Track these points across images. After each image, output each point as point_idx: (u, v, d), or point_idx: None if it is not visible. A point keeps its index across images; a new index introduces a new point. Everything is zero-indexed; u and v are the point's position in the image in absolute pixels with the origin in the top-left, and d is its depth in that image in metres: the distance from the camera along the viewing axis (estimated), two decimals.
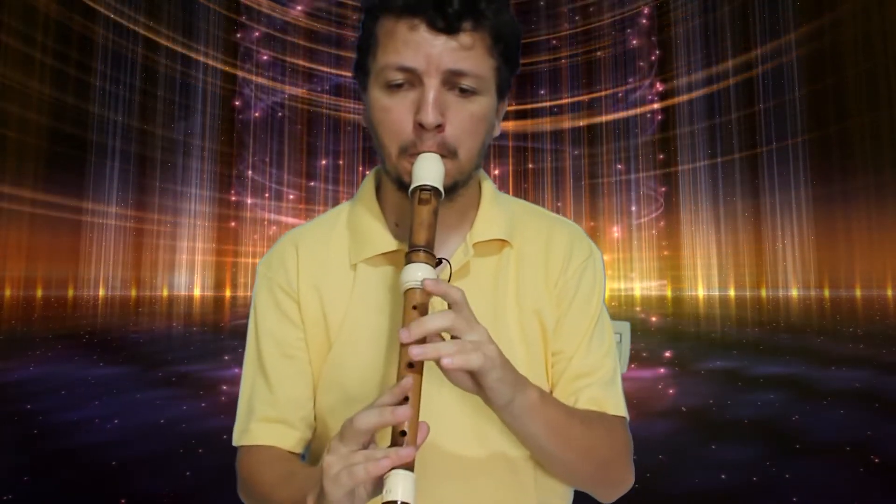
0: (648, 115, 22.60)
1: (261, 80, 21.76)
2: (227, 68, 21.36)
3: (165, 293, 21.59)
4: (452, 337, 0.73)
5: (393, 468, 0.67)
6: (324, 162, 23.10)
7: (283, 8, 21.29)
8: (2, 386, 6.21)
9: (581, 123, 23.14)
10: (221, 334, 11.81)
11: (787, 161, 20.71)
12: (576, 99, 22.91)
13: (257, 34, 21.44)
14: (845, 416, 5.12)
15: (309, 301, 0.93)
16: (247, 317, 0.99)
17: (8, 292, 17.88)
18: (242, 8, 21.06)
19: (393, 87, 0.83)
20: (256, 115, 22.14)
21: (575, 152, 23.28)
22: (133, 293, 21.08)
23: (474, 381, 0.75)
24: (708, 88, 21.53)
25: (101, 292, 20.54)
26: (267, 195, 22.84)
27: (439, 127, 0.81)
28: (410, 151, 0.82)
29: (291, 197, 23.06)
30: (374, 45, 0.85)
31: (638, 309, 17.99)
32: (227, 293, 22.46)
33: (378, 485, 0.68)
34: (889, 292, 20.04)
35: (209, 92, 21.28)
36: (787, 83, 20.20)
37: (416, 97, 0.82)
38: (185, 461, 3.90)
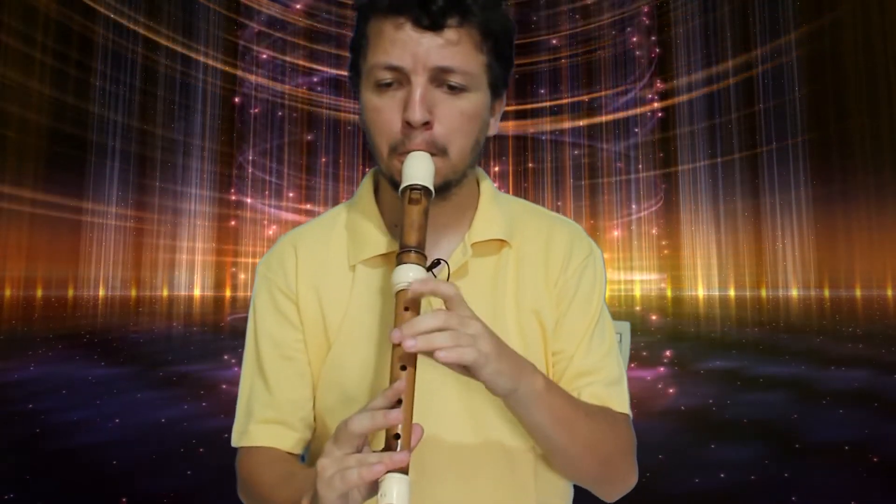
0: (648, 115, 22.61)
1: (261, 79, 21.77)
2: (227, 68, 21.36)
3: (165, 293, 21.59)
4: None
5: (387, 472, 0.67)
6: (324, 161, 23.11)
7: (283, 7, 21.29)
8: (2, 386, 6.21)
9: (581, 123, 23.15)
10: (221, 334, 11.81)
11: (787, 161, 20.71)
12: (576, 99, 22.92)
13: (257, 34, 21.44)
14: (845, 415, 5.12)
15: (308, 302, 0.93)
16: (246, 316, 0.99)
17: (8, 292, 17.88)
18: (242, 8, 21.07)
19: (382, 87, 0.83)
20: (256, 114, 22.15)
21: (574, 152, 23.29)
22: (133, 293, 21.08)
23: (471, 374, 0.75)
24: (708, 88, 21.54)
25: (101, 292, 20.54)
26: (267, 195, 22.84)
27: (427, 124, 0.81)
28: (400, 150, 0.82)
29: (291, 196, 23.06)
30: (364, 46, 0.85)
31: (638, 308, 17.99)
32: (227, 293, 22.47)
33: (372, 488, 0.68)
34: (889, 292, 20.03)
35: (209, 92, 21.29)
36: (787, 83, 20.21)
37: (404, 96, 0.82)
38: (185, 461, 3.90)
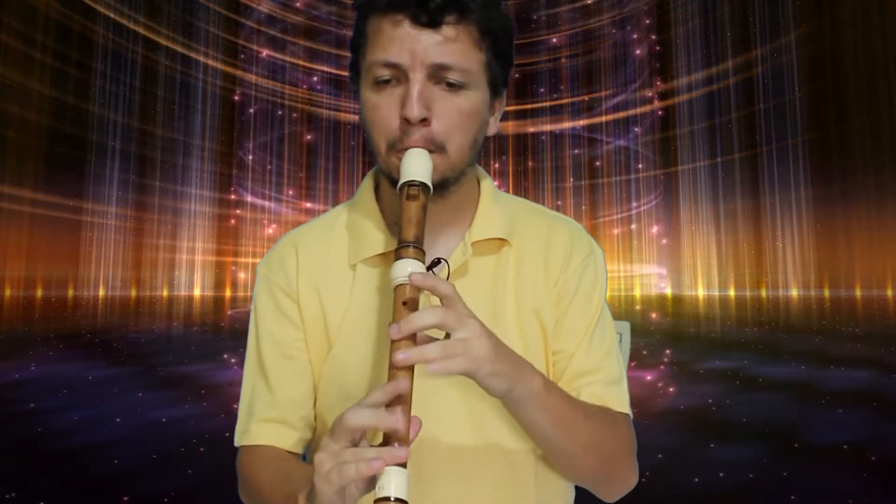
0: (648, 115, 22.61)
1: (260, 79, 21.77)
2: (227, 68, 21.37)
3: (165, 293, 21.60)
4: (446, 335, 0.73)
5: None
6: (323, 161, 23.11)
7: (282, 7, 21.29)
8: (2, 386, 6.21)
9: (581, 123, 23.15)
10: (221, 334, 11.81)
11: (787, 161, 20.72)
12: (576, 99, 22.93)
13: (257, 33, 21.44)
14: (845, 416, 5.12)
15: (308, 301, 0.94)
16: (247, 316, 1.00)
17: (8, 292, 17.89)
18: (242, 8, 21.07)
19: (380, 84, 0.83)
20: (256, 114, 22.15)
21: (574, 152, 23.29)
22: (133, 293, 21.09)
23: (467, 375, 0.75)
24: (708, 88, 21.55)
25: (101, 292, 20.55)
26: (267, 195, 22.85)
27: (425, 121, 0.81)
28: (398, 147, 0.83)
29: (291, 196, 23.06)
30: (363, 44, 0.86)
31: (638, 308, 17.99)
32: (227, 293, 22.47)
33: (370, 482, 0.68)
34: (889, 292, 20.04)
35: (209, 92, 21.30)
36: (787, 83, 20.22)
37: (402, 93, 0.82)
38: (186, 461, 3.91)
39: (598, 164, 23.33)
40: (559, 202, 23.19)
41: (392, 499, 0.66)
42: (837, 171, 20.25)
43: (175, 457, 3.99)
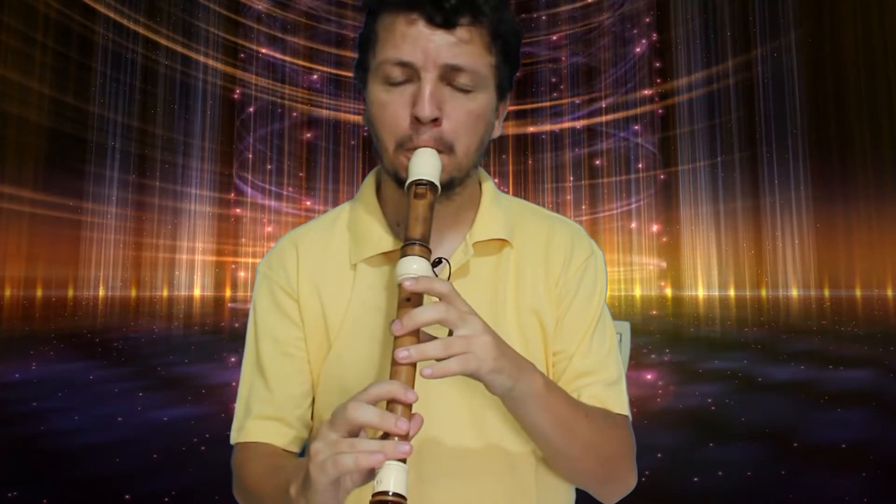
0: (648, 115, 22.61)
1: (260, 79, 21.77)
2: (227, 68, 21.36)
3: (165, 293, 21.60)
4: (449, 332, 0.73)
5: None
6: (323, 161, 23.11)
7: (283, 7, 21.29)
8: (3, 386, 6.21)
9: (580, 124, 23.15)
10: (221, 334, 11.81)
11: (787, 161, 20.72)
12: (576, 99, 22.92)
13: (257, 33, 21.45)
14: (844, 416, 5.12)
15: (309, 301, 0.94)
16: (247, 309, 1.00)
17: (8, 292, 17.89)
18: (242, 7, 21.07)
19: (391, 83, 0.83)
20: (256, 113, 22.15)
21: (574, 151, 23.29)
22: (133, 293, 21.09)
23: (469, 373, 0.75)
24: (708, 88, 21.55)
25: (101, 292, 20.55)
26: (267, 195, 22.85)
27: (436, 121, 0.81)
28: (407, 146, 0.83)
29: (291, 196, 23.06)
30: (373, 42, 0.85)
31: (638, 308, 17.99)
32: (227, 293, 22.47)
33: (366, 475, 0.67)
34: (889, 292, 20.04)
35: (209, 92, 21.30)
36: (787, 83, 20.22)
37: (413, 92, 0.82)
38: (187, 461, 3.91)
39: (597, 163, 23.34)
40: (558, 201, 23.21)
41: (390, 494, 0.65)
42: (837, 171, 20.26)
43: (175, 457, 3.99)
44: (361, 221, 0.95)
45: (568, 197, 23.36)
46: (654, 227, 23.31)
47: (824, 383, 6.39)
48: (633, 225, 23.32)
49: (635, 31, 22.24)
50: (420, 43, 0.81)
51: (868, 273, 20.46)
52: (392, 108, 0.83)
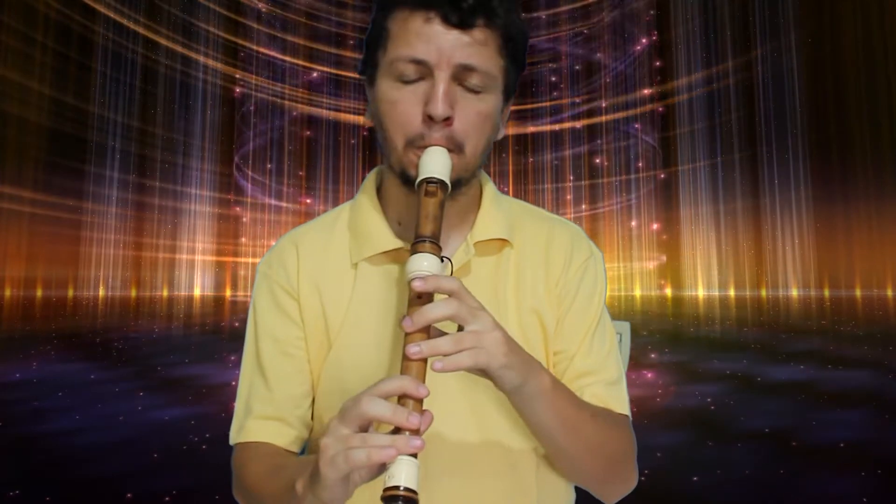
0: (648, 115, 22.63)
1: (260, 79, 21.78)
2: (227, 68, 21.37)
3: (165, 293, 21.61)
4: (458, 327, 0.73)
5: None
6: (323, 161, 23.12)
7: (283, 7, 21.30)
8: (3, 386, 6.22)
9: (580, 124, 23.16)
10: (222, 334, 11.82)
11: (787, 161, 20.74)
12: (576, 98, 22.93)
13: (257, 33, 21.45)
14: (844, 416, 5.12)
15: (309, 300, 0.93)
16: (247, 302, 0.99)
17: (8, 292, 17.90)
18: (242, 7, 21.08)
19: (402, 80, 0.83)
20: (256, 113, 22.16)
21: (574, 151, 23.30)
22: (133, 293, 21.10)
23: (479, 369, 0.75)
24: (708, 88, 21.56)
25: (101, 292, 20.56)
26: (267, 194, 22.86)
27: (447, 120, 0.82)
28: (418, 144, 0.83)
29: (291, 195, 23.07)
30: (384, 38, 0.85)
31: (637, 308, 18.00)
32: (227, 293, 22.48)
33: (376, 470, 0.67)
34: (889, 292, 20.05)
35: (209, 92, 21.31)
36: (788, 83, 20.24)
37: (425, 90, 0.82)
38: (187, 461, 3.91)
39: (597, 163, 23.34)
40: (558, 200, 23.21)
41: (402, 488, 0.65)
42: (837, 171, 20.27)
43: (175, 457, 3.99)
44: (362, 220, 0.95)
45: (568, 196, 23.38)
46: (654, 227, 23.33)
47: (824, 383, 6.39)
48: (633, 224, 23.34)
49: (635, 31, 22.25)
50: (435, 41, 0.81)
51: (868, 273, 20.48)
52: (403, 105, 0.83)
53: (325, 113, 22.45)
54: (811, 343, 10.00)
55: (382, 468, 0.67)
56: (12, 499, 3.33)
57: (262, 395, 0.93)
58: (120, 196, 20.53)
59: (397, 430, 0.68)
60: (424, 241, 0.75)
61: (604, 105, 22.77)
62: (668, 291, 23.30)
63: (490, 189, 0.97)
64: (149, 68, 20.09)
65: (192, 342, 10.45)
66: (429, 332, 0.72)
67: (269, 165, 22.72)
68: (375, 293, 0.92)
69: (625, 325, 1.57)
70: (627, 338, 1.57)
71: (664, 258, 23.40)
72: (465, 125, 0.83)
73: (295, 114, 22.55)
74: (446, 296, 0.73)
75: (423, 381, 0.70)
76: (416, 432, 0.67)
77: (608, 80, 22.77)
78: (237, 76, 21.53)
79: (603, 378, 0.92)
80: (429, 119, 0.81)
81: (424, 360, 0.71)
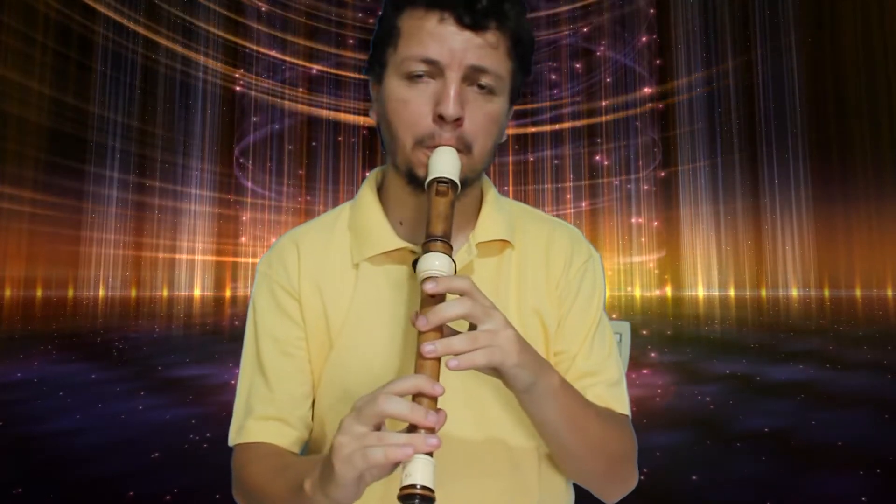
0: (648, 114, 22.63)
1: (260, 79, 21.78)
2: (227, 68, 21.38)
3: (165, 293, 21.62)
4: (470, 326, 0.74)
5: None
6: (323, 160, 23.13)
7: (283, 7, 21.30)
8: (3, 386, 6.22)
9: (580, 123, 23.16)
10: (222, 334, 11.82)
11: (787, 161, 20.75)
12: (575, 98, 22.94)
13: (257, 34, 21.45)
14: (843, 416, 5.12)
15: (311, 300, 0.93)
16: (248, 298, 0.99)
17: (8, 292, 17.91)
18: (242, 8, 21.08)
19: (413, 79, 0.83)
20: (256, 114, 22.17)
21: (574, 151, 23.31)
22: (133, 293, 21.11)
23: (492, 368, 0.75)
24: (708, 88, 21.57)
25: (101, 292, 20.57)
26: (267, 195, 22.86)
27: (458, 121, 0.82)
28: (427, 144, 0.83)
29: (291, 195, 23.07)
30: (395, 37, 0.85)
31: (637, 308, 18.00)
32: (227, 293, 22.48)
33: (386, 469, 0.67)
34: (889, 292, 20.06)
35: (209, 92, 21.31)
36: (788, 83, 20.25)
37: (436, 90, 0.82)
38: (187, 461, 3.91)
39: (597, 162, 23.35)
40: (558, 200, 23.22)
41: (418, 487, 0.65)
42: (837, 171, 20.29)
43: (175, 457, 3.99)
44: (363, 220, 0.94)
45: (568, 196, 23.38)
46: (654, 227, 23.34)
47: (824, 383, 6.39)
48: (633, 224, 23.35)
49: (635, 31, 22.26)
50: (448, 42, 0.81)
51: (868, 273, 20.49)
52: (413, 104, 0.83)
53: (325, 113, 22.46)
54: (811, 343, 10.00)
55: (394, 466, 0.67)
56: (14, 497, 3.33)
57: (263, 396, 0.93)
58: (120, 196, 20.55)
59: (411, 429, 0.68)
60: (436, 240, 0.75)
61: (604, 105, 22.78)
62: (668, 291, 23.30)
63: (491, 191, 0.98)
64: (149, 68, 20.11)
65: (192, 342, 10.45)
66: (442, 330, 0.72)
67: (269, 165, 22.74)
68: (377, 293, 0.92)
69: (625, 325, 1.57)
70: (627, 338, 1.57)
71: (664, 258, 23.41)
72: (475, 126, 0.83)
73: (295, 114, 22.56)
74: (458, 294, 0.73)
75: (438, 380, 0.70)
76: (431, 431, 0.67)
77: (608, 80, 22.79)
78: (237, 76, 21.54)
79: (604, 379, 0.93)
80: (439, 119, 0.81)
81: (438, 359, 0.71)
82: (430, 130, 0.82)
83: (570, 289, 0.94)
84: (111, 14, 19.00)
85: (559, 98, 22.87)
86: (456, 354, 0.71)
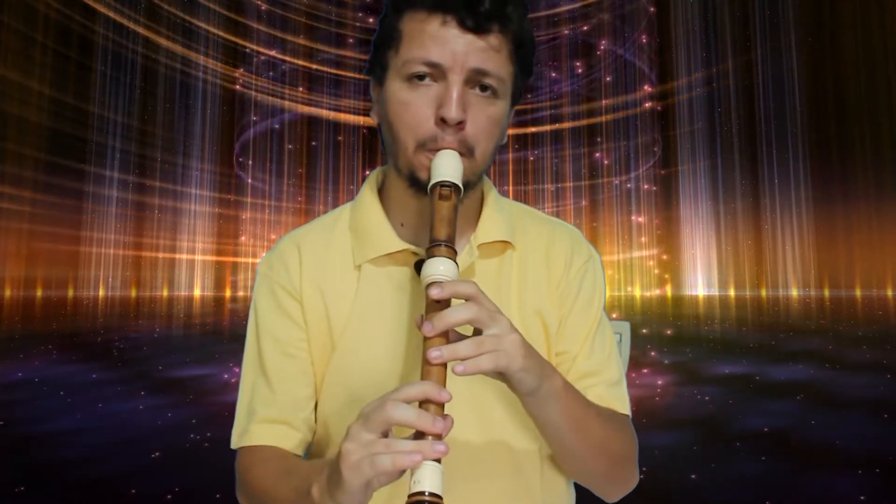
0: (648, 114, 22.63)
1: (260, 79, 21.78)
2: (227, 68, 21.38)
3: (165, 293, 21.62)
4: (475, 331, 0.74)
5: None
6: (323, 161, 23.13)
7: (283, 7, 21.30)
8: (3, 386, 6.22)
9: (581, 123, 23.16)
10: (222, 334, 11.82)
11: (787, 161, 20.74)
12: (575, 97, 22.94)
13: (257, 33, 21.45)
14: (843, 416, 5.12)
15: (312, 302, 0.93)
16: (247, 316, 0.98)
17: (8, 292, 17.91)
18: (242, 7, 21.08)
19: (415, 82, 0.82)
20: (256, 114, 22.17)
21: (574, 151, 23.30)
22: (133, 293, 21.11)
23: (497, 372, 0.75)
24: (708, 88, 21.56)
25: (101, 292, 20.56)
26: (267, 195, 22.86)
27: (460, 124, 0.82)
28: (429, 147, 0.82)
29: (291, 195, 23.07)
30: (396, 40, 0.85)
31: (637, 308, 18.00)
32: (228, 293, 22.48)
33: (394, 475, 0.67)
34: (889, 292, 20.06)
35: (209, 92, 21.31)
36: (788, 83, 20.25)
37: (438, 93, 0.82)
38: (187, 461, 3.91)
39: (597, 162, 23.35)
40: (558, 199, 23.21)
41: (427, 494, 0.65)
42: (837, 171, 20.29)
43: (175, 457, 3.99)
44: (365, 222, 0.94)
45: (568, 196, 23.38)
46: (654, 226, 23.33)
47: (824, 383, 6.40)
48: (633, 224, 23.35)
49: (635, 31, 22.26)
50: (450, 45, 0.81)
51: (868, 273, 20.49)
52: (415, 107, 0.83)
53: (325, 113, 22.46)
54: (811, 343, 10.00)
55: (402, 472, 0.67)
56: (15, 496, 3.34)
57: (266, 398, 0.93)
58: (120, 196, 20.55)
59: (419, 435, 0.67)
60: (440, 244, 0.75)
61: (604, 104, 22.78)
62: (668, 291, 23.30)
63: (492, 192, 0.98)
64: (149, 68, 20.11)
65: (192, 342, 10.45)
66: (447, 335, 0.72)
67: (269, 164, 22.73)
68: (379, 295, 0.92)
69: (625, 325, 1.57)
70: (627, 338, 1.57)
71: (664, 257, 23.41)
72: (477, 129, 0.83)
73: (295, 114, 22.56)
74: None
75: (445, 385, 0.70)
76: (438, 437, 0.67)
77: (608, 80, 22.79)
78: (237, 76, 21.54)
79: (605, 379, 0.93)
80: (442, 122, 0.81)
81: (445, 365, 0.71)
82: (432, 133, 0.82)
83: (570, 289, 0.94)
84: (111, 14, 19.00)
85: (559, 97, 22.87)
86: (462, 359, 0.70)
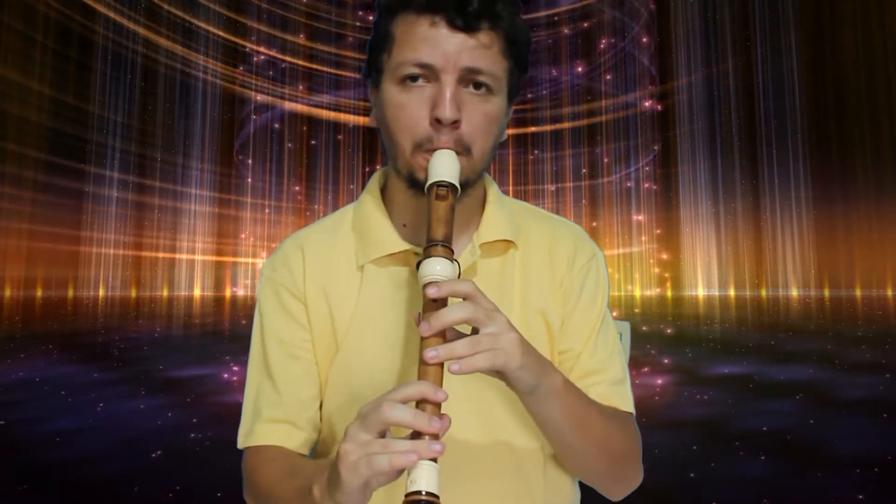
0: (648, 114, 22.63)
1: (260, 79, 21.78)
2: (227, 68, 21.37)
3: (165, 293, 21.62)
4: (473, 330, 0.74)
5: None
6: (323, 161, 23.13)
7: (283, 7, 21.30)
8: (4, 386, 6.22)
9: (580, 123, 23.16)
10: (223, 335, 11.82)
11: (787, 161, 20.74)
12: (575, 97, 22.94)
13: (257, 33, 21.45)
14: (842, 416, 5.12)
15: (316, 303, 0.94)
16: (247, 316, 0.99)
17: (8, 292, 17.90)
18: (242, 7, 21.07)
19: (408, 84, 0.83)
20: (256, 114, 22.17)
21: (574, 150, 23.31)
22: (133, 293, 21.11)
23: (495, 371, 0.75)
24: (708, 88, 21.56)
25: (101, 292, 20.56)
26: (267, 195, 22.86)
27: (455, 123, 0.82)
28: (426, 147, 0.83)
29: (291, 196, 23.07)
30: (389, 42, 0.85)
31: (637, 308, 18.00)
32: (227, 293, 22.48)
33: (393, 475, 0.67)
34: (889, 292, 20.06)
35: (209, 92, 21.31)
36: (788, 83, 20.25)
37: (432, 93, 0.82)
38: (187, 461, 3.91)
39: (597, 162, 23.35)
40: (558, 200, 23.21)
41: (423, 493, 0.65)
42: (837, 171, 20.29)
43: (176, 457, 3.99)
44: (367, 223, 0.95)
45: (568, 196, 23.38)
46: (654, 226, 23.33)
47: (824, 383, 6.39)
48: (633, 224, 23.35)
49: (635, 31, 22.25)
50: (441, 45, 0.81)
51: (868, 273, 20.50)
52: (410, 109, 0.83)
53: (324, 113, 22.45)
54: (811, 343, 9.99)
55: (400, 472, 0.67)
56: (15, 496, 3.34)
57: (271, 398, 0.93)
58: (120, 196, 20.55)
59: (416, 435, 0.68)
60: (437, 244, 0.75)
61: (604, 104, 22.79)
62: (668, 291, 23.31)
63: (494, 190, 0.98)
64: (149, 68, 20.11)
65: (192, 342, 10.45)
66: (444, 335, 0.72)
67: (268, 164, 22.73)
68: (382, 295, 0.92)
69: (625, 324, 1.57)
70: (627, 337, 1.57)
71: (664, 257, 23.41)
72: (472, 127, 0.83)
73: (295, 114, 22.55)
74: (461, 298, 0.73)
75: (441, 385, 0.70)
76: (435, 437, 0.67)
77: (608, 80, 22.79)
78: (237, 76, 21.54)
79: (608, 377, 0.93)
80: (437, 122, 0.82)
81: (442, 364, 0.71)
82: (427, 134, 0.82)
83: (573, 287, 0.95)
84: (111, 14, 19.00)
85: (559, 98, 22.87)
86: (458, 358, 0.71)
